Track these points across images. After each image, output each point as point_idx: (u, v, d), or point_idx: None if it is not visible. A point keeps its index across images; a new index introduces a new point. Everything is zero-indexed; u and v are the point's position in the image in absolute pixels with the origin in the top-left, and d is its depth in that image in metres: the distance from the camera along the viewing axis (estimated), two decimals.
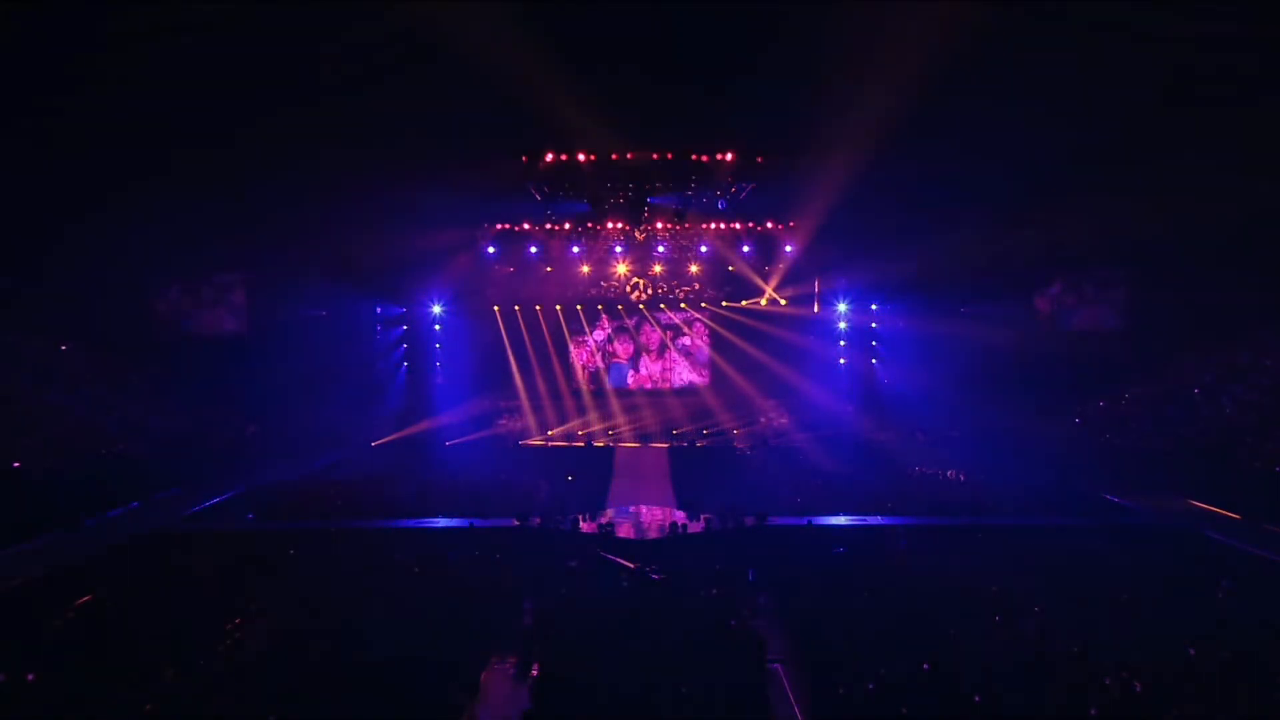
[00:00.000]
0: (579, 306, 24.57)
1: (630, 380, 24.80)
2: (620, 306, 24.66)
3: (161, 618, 9.48)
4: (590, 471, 18.55)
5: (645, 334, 24.90)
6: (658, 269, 23.84)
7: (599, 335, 24.87)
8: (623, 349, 24.85)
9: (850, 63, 11.35)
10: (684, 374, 24.94)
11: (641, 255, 23.33)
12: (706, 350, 24.85)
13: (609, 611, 9.99)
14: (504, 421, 23.58)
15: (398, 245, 20.30)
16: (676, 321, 24.87)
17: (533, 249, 22.63)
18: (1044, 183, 16.26)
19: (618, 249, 22.79)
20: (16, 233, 16.26)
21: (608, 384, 24.72)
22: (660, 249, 22.85)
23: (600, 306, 24.63)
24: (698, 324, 24.83)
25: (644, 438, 22.48)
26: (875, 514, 13.92)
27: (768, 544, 12.68)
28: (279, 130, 13.75)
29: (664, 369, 24.97)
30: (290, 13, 10.82)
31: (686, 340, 24.93)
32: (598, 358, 24.83)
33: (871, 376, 24.21)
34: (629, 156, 17.17)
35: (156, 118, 12.98)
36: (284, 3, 10.82)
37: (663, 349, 24.92)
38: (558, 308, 24.56)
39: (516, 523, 13.23)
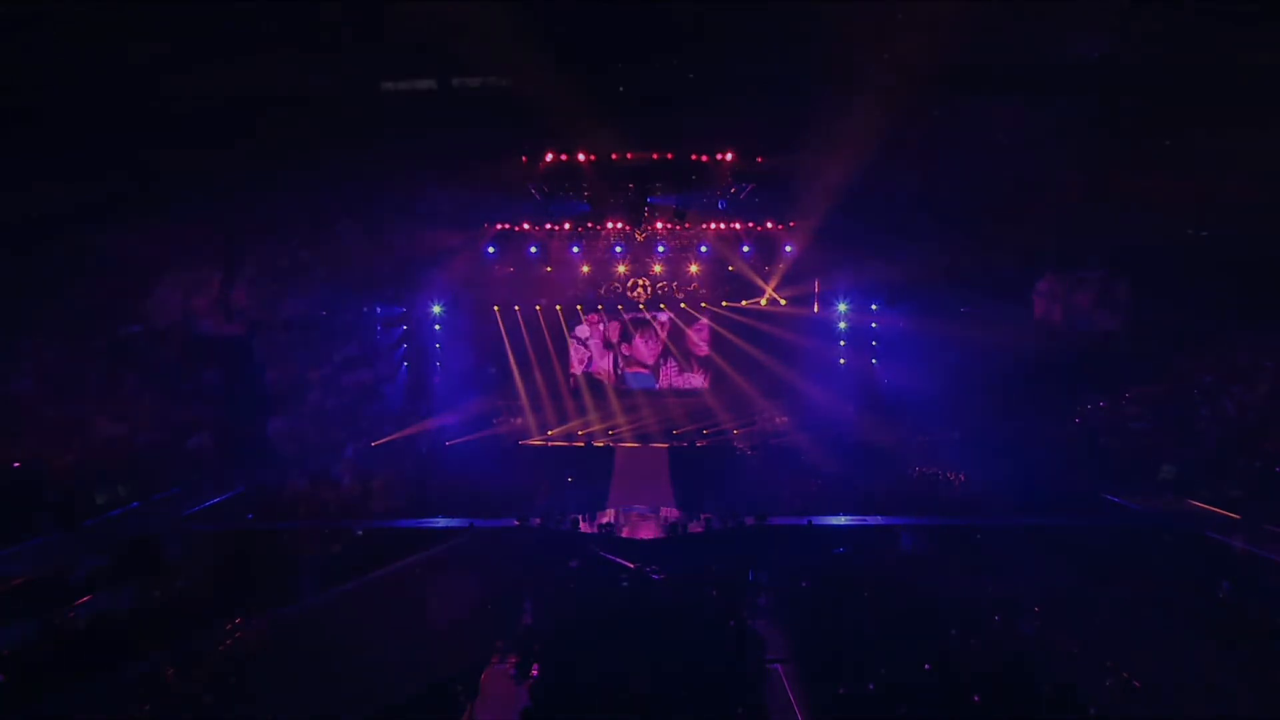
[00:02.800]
0: (579, 307, 24.57)
1: (655, 384, 24.69)
2: (620, 306, 24.65)
3: (161, 618, 9.48)
4: (590, 471, 18.56)
5: (651, 332, 24.89)
6: (658, 269, 23.85)
7: (583, 331, 24.74)
8: (648, 349, 24.73)
9: (850, 59, 11.34)
10: (685, 374, 24.94)
11: (641, 255, 23.34)
12: (707, 350, 24.84)
13: (609, 611, 9.99)
14: (504, 421, 23.58)
15: (398, 245, 20.28)
16: (677, 321, 24.87)
17: (533, 249, 22.64)
18: (1045, 182, 16.24)
19: (618, 249, 22.80)
20: (14, 230, 16.21)
21: (610, 386, 24.68)
22: (660, 249, 22.86)
23: (600, 307, 24.62)
24: (698, 324, 24.82)
25: (644, 438, 22.49)
26: (875, 514, 13.92)
27: (768, 544, 12.69)
28: (277, 128, 13.70)
29: (669, 368, 24.96)
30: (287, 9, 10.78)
31: (687, 340, 24.91)
32: (590, 351, 24.75)
33: (871, 377, 24.20)
34: (629, 156, 17.16)
35: (151, 116, 12.93)
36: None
37: (665, 349, 24.91)
38: (558, 308, 24.56)
39: (516, 523, 13.24)
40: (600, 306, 24.58)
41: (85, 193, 15.08)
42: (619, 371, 24.75)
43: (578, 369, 24.77)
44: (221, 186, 15.66)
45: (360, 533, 13.15)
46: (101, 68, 11.50)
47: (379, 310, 24.13)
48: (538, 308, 24.43)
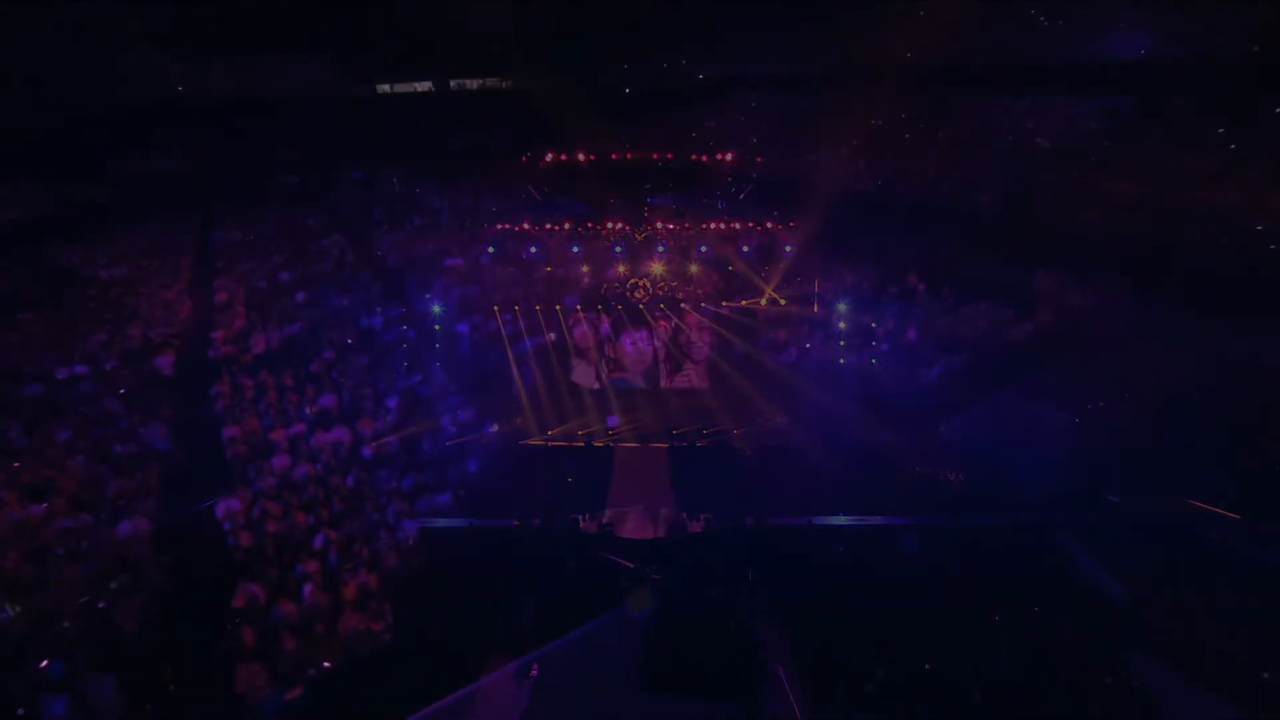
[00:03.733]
0: (578, 307, 24.56)
1: (645, 386, 24.54)
2: (620, 306, 24.63)
3: (162, 618, 9.49)
4: (590, 471, 18.56)
5: (644, 336, 24.84)
6: (658, 269, 23.85)
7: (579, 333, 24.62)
8: (638, 354, 24.60)
9: (853, 60, 11.37)
10: (684, 375, 24.92)
11: (641, 255, 23.34)
12: (706, 351, 24.82)
13: (609, 611, 10.00)
14: (503, 421, 23.55)
15: (396, 248, 20.29)
16: (677, 321, 24.86)
17: (533, 249, 22.66)
18: (1045, 182, 16.27)
19: (618, 249, 22.82)
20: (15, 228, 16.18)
21: (608, 387, 24.63)
22: (660, 249, 22.88)
23: (600, 307, 24.61)
24: (698, 324, 24.82)
25: (644, 438, 22.48)
26: (875, 514, 13.93)
27: (768, 544, 12.70)
28: (271, 131, 13.72)
29: (668, 369, 24.92)
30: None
31: (687, 340, 24.90)
32: (585, 350, 24.68)
33: (871, 377, 24.19)
34: (629, 156, 17.22)
35: (126, 120, 12.89)
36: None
37: (664, 350, 24.89)
38: (557, 308, 24.55)
39: (517, 523, 13.26)
40: (600, 306, 24.56)
41: (44, 204, 14.56)
42: (602, 378, 24.63)
43: (579, 378, 24.69)
44: (204, 195, 15.44)
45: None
46: (81, 69, 11.41)
47: (379, 310, 24.14)
48: (538, 308, 24.43)
